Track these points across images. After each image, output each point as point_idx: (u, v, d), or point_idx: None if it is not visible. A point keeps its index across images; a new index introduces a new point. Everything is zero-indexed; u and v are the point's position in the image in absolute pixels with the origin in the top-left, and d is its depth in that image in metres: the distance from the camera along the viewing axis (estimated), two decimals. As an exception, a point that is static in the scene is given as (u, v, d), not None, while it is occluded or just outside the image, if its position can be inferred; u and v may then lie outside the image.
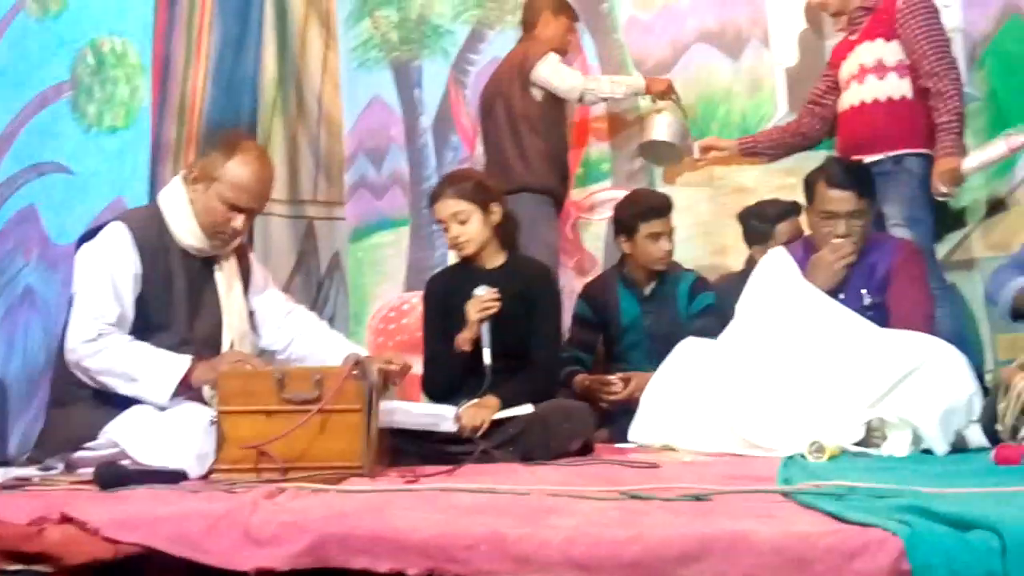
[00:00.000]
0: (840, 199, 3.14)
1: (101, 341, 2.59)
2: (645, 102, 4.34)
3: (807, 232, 3.42)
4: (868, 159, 3.55)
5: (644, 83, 4.19)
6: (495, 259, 3.25)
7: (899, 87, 3.61)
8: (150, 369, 2.59)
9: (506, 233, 3.28)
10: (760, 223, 3.84)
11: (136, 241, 2.69)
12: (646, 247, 3.70)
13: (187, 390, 2.59)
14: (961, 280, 3.73)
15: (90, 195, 3.92)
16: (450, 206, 3.18)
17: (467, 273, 3.24)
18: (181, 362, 2.60)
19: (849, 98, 3.72)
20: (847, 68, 3.73)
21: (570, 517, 1.59)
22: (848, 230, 3.13)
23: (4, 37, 4.04)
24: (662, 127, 4.12)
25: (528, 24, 4.33)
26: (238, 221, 2.76)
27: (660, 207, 3.73)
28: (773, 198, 3.92)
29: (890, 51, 3.62)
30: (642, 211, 3.70)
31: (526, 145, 4.11)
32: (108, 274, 2.64)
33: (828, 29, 4.12)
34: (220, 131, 4.09)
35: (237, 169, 2.73)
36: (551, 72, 4.11)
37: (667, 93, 4.18)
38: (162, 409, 2.58)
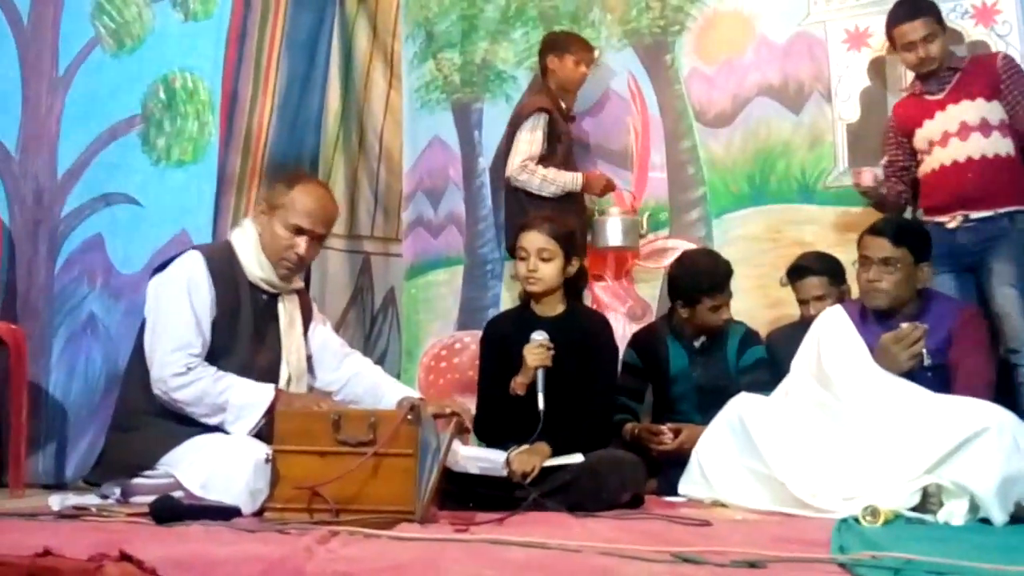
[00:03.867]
0: (873, 244, 3.15)
1: (191, 374, 2.69)
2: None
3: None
4: (975, 215, 3.56)
5: (582, 181, 4.20)
6: (555, 308, 3.28)
7: (1003, 145, 3.60)
8: (237, 401, 2.70)
9: (574, 287, 3.32)
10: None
11: (210, 268, 2.79)
12: (706, 316, 3.63)
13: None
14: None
15: (155, 226, 3.99)
16: (540, 240, 3.22)
17: (526, 319, 3.26)
18: (266, 393, 2.71)
19: (949, 154, 3.65)
20: (937, 126, 3.68)
21: (623, 580, 1.58)
22: (876, 276, 3.11)
23: (80, 71, 4.16)
24: (615, 232, 4.29)
25: (544, 71, 4.38)
26: (302, 245, 2.86)
27: (724, 280, 3.64)
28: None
29: (992, 110, 3.61)
30: (706, 287, 3.59)
31: None
32: (188, 303, 2.74)
33: (891, 87, 4.10)
34: (283, 167, 4.19)
35: (301, 194, 2.88)
36: (518, 139, 4.16)
37: (607, 190, 4.29)
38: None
